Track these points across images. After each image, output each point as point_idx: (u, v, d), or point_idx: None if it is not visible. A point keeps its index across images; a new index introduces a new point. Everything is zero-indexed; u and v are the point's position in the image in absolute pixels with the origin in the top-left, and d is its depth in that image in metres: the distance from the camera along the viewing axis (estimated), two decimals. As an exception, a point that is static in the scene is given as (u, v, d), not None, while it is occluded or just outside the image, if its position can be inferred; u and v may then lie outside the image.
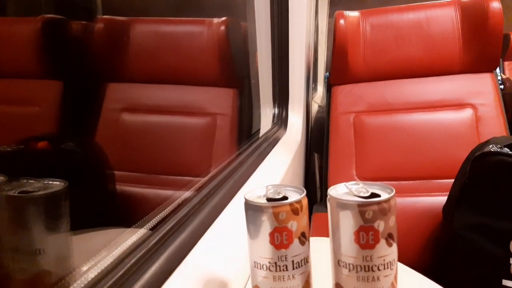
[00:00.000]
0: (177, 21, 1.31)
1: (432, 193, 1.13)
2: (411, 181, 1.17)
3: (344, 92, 1.35)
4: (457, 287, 0.68)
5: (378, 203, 0.36)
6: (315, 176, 1.54)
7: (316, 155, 1.59)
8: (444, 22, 1.30)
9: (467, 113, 1.22)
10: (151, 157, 1.17)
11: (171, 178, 1.14)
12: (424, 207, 1.11)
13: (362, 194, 0.37)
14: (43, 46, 1.12)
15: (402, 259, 0.59)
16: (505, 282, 0.76)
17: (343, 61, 1.33)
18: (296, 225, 0.37)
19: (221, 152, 1.18)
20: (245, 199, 0.39)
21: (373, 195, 0.38)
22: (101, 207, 0.86)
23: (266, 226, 0.37)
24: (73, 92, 1.15)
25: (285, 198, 0.39)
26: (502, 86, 1.36)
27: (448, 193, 0.98)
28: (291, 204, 0.37)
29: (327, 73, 1.46)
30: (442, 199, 1.00)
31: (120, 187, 1.08)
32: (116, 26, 1.29)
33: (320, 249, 0.45)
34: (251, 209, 0.38)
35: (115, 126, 1.20)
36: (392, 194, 0.37)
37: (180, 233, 0.45)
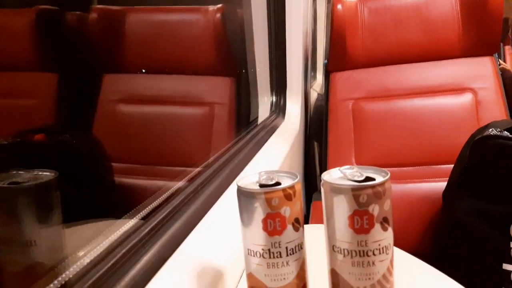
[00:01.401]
0: (172, 9, 1.29)
1: (432, 179, 1.12)
2: (411, 167, 1.16)
3: (342, 78, 1.34)
4: (457, 271, 0.67)
5: (373, 186, 0.35)
6: (315, 164, 1.53)
7: (315, 143, 1.58)
8: (443, 6, 1.28)
9: (467, 97, 1.21)
10: (149, 148, 1.16)
11: (169, 168, 1.14)
12: (424, 192, 1.11)
13: (356, 178, 0.37)
14: (38, 38, 1.10)
15: (403, 245, 0.58)
16: (506, 266, 0.75)
17: (341, 46, 1.32)
18: (289, 211, 0.37)
19: (220, 141, 1.17)
20: (238, 185, 0.38)
21: (368, 179, 0.37)
22: (98, 199, 0.85)
23: (258, 213, 0.36)
24: (69, 84, 1.14)
25: (278, 184, 0.38)
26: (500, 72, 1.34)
27: (448, 178, 0.97)
28: (283, 189, 0.36)
29: (326, 61, 1.44)
30: (442, 184, 1.00)
31: (118, 178, 1.08)
32: (110, 16, 1.28)
33: (316, 236, 0.45)
34: (244, 195, 0.37)
35: (111, 117, 1.19)
36: (387, 177, 0.36)
37: (174, 223, 0.44)
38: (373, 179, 0.37)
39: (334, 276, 0.38)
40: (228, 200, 0.56)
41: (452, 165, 0.96)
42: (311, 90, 1.87)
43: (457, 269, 0.76)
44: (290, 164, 1.04)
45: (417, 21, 1.29)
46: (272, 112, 1.21)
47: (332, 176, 0.39)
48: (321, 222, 0.55)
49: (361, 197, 0.35)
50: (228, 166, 0.65)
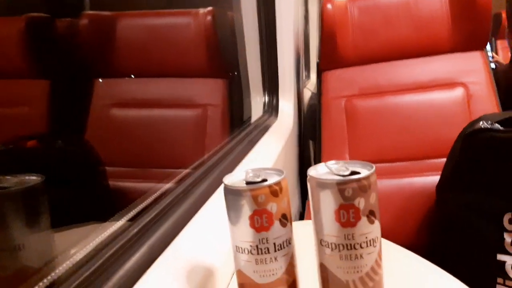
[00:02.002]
0: (163, 13, 1.29)
1: (426, 173, 1.13)
2: (405, 162, 1.17)
3: (334, 76, 1.34)
4: (453, 264, 0.68)
5: (358, 180, 0.35)
6: (310, 162, 1.53)
7: (310, 141, 1.59)
8: (432, 2, 1.28)
9: (458, 92, 1.22)
10: (143, 151, 1.16)
11: (162, 171, 1.14)
12: (418, 187, 1.11)
13: (341, 173, 0.37)
14: (29, 45, 1.10)
15: (397, 239, 0.58)
16: (500, 256, 0.75)
17: (332, 45, 1.32)
18: (276, 207, 0.37)
19: (214, 142, 1.18)
20: (224, 184, 0.38)
21: (353, 173, 0.37)
22: (90, 202, 0.85)
23: (245, 210, 0.36)
24: (62, 90, 1.14)
25: (264, 181, 0.38)
26: (493, 65, 1.35)
27: (441, 172, 0.98)
28: (270, 186, 0.37)
29: (319, 60, 1.45)
30: (435, 178, 1.00)
31: (112, 182, 1.08)
32: (101, 21, 1.28)
33: (306, 232, 0.45)
34: (230, 193, 0.37)
35: (104, 122, 1.19)
36: (372, 170, 0.36)
37: (163, 223, 0.44)
38: (359, 173, 0.37)
39: (323, 270, 0.38)
40: (219, 199, 0.56)
41: (445, 159, 0.96)
42: (305, 89, 1.88)
43: (452, 261, 0.77)
44: (284, 163, 1.04)
45: (406, 18, 1.29)
46: (265, 111, 1.21)
47: (318, 171, 0.39)
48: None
49: (347, 191, 0.35)
50: (219, 166, 0.65)
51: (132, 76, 1.26)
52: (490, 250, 0.77)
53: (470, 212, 0.83)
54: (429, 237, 1.03)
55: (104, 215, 0.53)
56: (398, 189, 1.11)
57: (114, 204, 0.97)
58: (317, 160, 1.30)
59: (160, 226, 0.43)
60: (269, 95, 1.23)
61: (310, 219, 0.59)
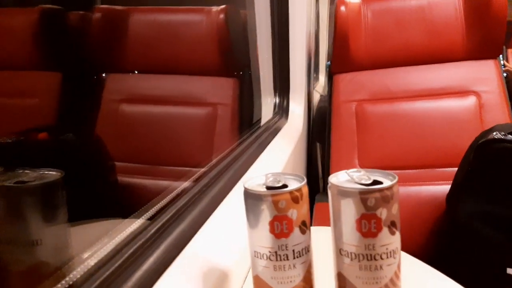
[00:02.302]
0: (176, 10, 1.29)
1: (436, 182, 1.12)
2: (415, 170, 1.16)
3: (345, 80, 1.33)
4: (461, 275, 0.67)
5: (380, 190, 0.35)
6: (317, 165, 1.53)
7: (318, 144, 1.58)
8: (446, 8, 1.28)
9: (471, 100, 1.21)
10: (152, 148, 1.16)
11: (172, 168, 1.14)
12: (428, 196, 1.10)
13: (363, 182, 0.37)
14: (41, 37, 1.10)
15: (406, 248, 0.58)
16: (510, 270, 0.75)
17: (345, 48, 1.32)
18: (296, 213, 0.36)
19: (223, 142, 1.17)
20: (244, 187, 0.38)
21: (375, 182, 0.37)
22: (101, 198, 0.85)
23: (265, 215, 0.36)
24: (73, 83, 1.14)
25: (285, 186, 0.38)
26: (505, 74, 1.34)
27: (452, 181, 0.97)
28: (291, 192, 0.36)
29: (329, 62, 1.44)
30: (446, 187, 0.99)
31: (121, 178, 1.08)
32: (114, 16, 1.28)
33: (322, 239, 0.45)
34: (251, 197, 0.37)
35: (114, 117, 1.19)
36: (395, 181, 0.36)
37: (179, 223, 0.44)
38: (381, 183, 0.37)
39: (341, 280, 0.38)
40: (233, 201, 0.56)
41: (456, 168, 0.95)
42: (314, 91, 1.87)
43: (460, 273, 0.76)
44: (293, 166, 1.04)
45: (420, 23, 1.29)
46: (275, 113, 1.21)
47: (339, 179, 0.39)
48: (325, 224, 0.55)
49: (369, 201, 0.35)
50: (232, 167, 0.65)
51: (136, 72, 1.26)
52: (499, 263, 0.76)
53: (480, 223, 0.83)
54: (437, 246, 1.03)
55: (117, 212, 0.53)
56: (407, 197, 1.10)
57: (125, 201, 0.97)
58: (326, 164, 1.29)
59: (177, 227, 0.43)
60: (280, 97, 1.23)
61: (319, 224, 0.58)
